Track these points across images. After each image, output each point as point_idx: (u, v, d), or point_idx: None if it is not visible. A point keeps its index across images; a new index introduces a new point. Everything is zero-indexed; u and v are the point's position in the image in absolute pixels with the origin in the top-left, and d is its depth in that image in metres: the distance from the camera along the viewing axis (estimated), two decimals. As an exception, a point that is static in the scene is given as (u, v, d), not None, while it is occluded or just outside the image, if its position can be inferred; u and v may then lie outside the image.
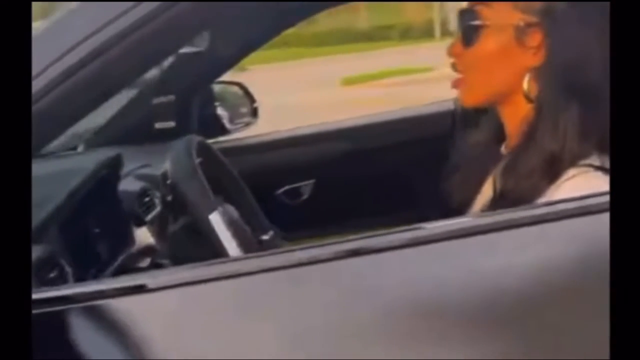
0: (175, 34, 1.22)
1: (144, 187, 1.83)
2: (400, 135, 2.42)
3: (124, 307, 1.08)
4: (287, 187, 2.44)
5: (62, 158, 2.07)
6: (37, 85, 1.09)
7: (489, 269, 1.04)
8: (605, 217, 0.99)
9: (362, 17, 19.81)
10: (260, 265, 1.09)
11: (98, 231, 1.66)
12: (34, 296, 1.07)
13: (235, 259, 1.28)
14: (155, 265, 1.70)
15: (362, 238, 1.07)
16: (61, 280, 1.32)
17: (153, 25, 1.13)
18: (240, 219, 1.62)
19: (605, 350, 0.95)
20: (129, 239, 1.75)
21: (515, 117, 1.30)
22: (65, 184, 1.54)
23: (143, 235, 1.80)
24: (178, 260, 1.55)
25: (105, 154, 1.77)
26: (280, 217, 2.07)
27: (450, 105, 2.31)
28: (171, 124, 2.26)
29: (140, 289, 1.09)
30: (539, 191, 1.22)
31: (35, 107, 1.09)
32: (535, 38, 1.26)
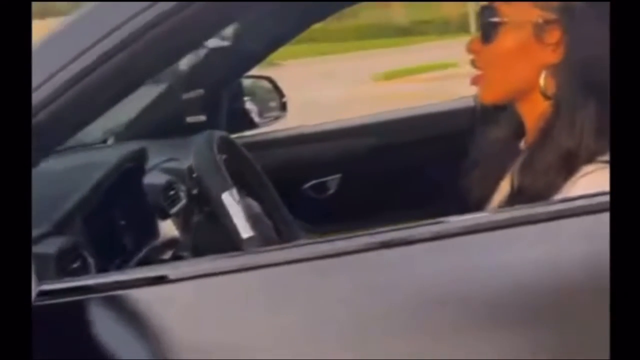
0: (197, 29, 1.24)
1: (170, 180, 1.85)
2: (426, 131, 2.43)
3: (145, 298, 1.10)
4: (313, 182, 2.45)
5: (91, 151, 2.10)
6: (57, 82, 1.12)
7: (507, 263, 1.06)
8: None
9: (399, 12, 19.74)
10: (282, 257, 1.11)
11: (122, 223, 1.68)
12: (55, 286, 1.10)
13: (257, 252, 1.30)
14: (177, 258, 1.72)
15: (384, 232, 1.08)
16: (83, 271, 1.35)
17: (175, 20, 1.14)
18: (262, 212, 1.64)
19: None
20: (153, 231, 1.77)
21: (534, 113, 1.30)
22: (90, 177, 1.57)
23: (167, 228, 1.82)
24: (201, 252, 1.57)
25: (130, 147, 1.80)
26: (306, 211, 2.09)
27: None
28: (202, 118, 2.28)
29: (161, 280, 1.11)
30: (555, 187, 1.22)
31: (55, 104, 1.11)
32: (554, 35, 1.27)
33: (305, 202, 2.39)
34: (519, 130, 1.37)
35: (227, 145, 1.66)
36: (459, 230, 1.07)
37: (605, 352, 0.96)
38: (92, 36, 1.13)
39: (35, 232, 1.31)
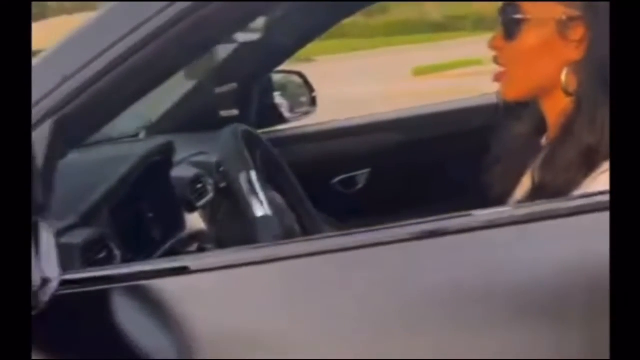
0: (223, 24, 1.26)
1: (198, 173, 1.87)
2: (453, 126, 2.43)
3: (166, 288, 1.12)
4: (342, 176, 2.46)
5: (120, 144, 2.13)
6: (84, 76, 1.14)
7: (528, 257, 1.06)
8: None
9: (432, 7, 19.62)
10: (303, 249, 1.13)
11: (149, 215, 1.70)
12: (78, 275, 1.12)
13: (278, 244, 1.31)
14: (201, 250, 1.74)
15: (407, 225, 1.09)
16: (109, 262, 1.37)
17: (201, 15, 1.16)
18: (286, 205, 1.65)
19: None
20: (180, 224, 1.79)
21: (555, 110, 1.30)
22: (118, 169, 1.60)
23: (194, 221, 1.84)
24: (224, 244, 1.59)
25: (158, 141, 1.82)
26: (334, 206, 2.10)
27: None
28: (235, 112, 2.30)
29: (182, 271, 1.13)
30: (575, 183, 1.22)
31: (81, 98, 1.13)
32: (578, 32, 1.27)
33: (334, 196, 2.40)
34: (541, 127, 1.37)
35: (251, 139, 1.68)
36: (485, 224, 1.08)
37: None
38: (118, 31, 1.15)
39: (61, 224, 1.34)
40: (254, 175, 1.49)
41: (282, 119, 2.59)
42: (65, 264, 1.12)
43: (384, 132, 2.50)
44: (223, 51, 2.49)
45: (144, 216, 1.70)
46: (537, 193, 1.26)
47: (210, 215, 1.83)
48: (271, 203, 1.51)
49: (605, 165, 1.21)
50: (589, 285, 1.04)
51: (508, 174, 1.40)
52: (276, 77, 2.63)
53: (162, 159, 1.77)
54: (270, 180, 1.73)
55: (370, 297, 1.07)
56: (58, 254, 1.07)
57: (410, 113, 2.57)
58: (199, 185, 1.86)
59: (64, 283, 1.07)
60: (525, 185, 1.34)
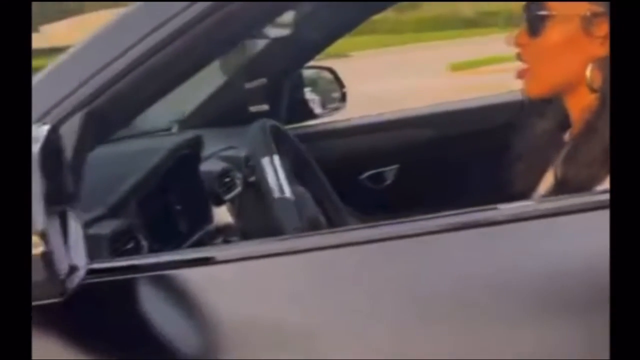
0: (250, 19, 1.27)
1: (226, 167, 1.90)
2: (482, 122, 2.42)
3: (191, 278, 1.13)
4: (371, 172, 2.47)
5: (151, 138, 2.16)
6: (114, 69, 1.16)
7: (552, 251, 1.07)
8: None
9: (464, 4, 19.51)
10: (325, 242, 1.14)
11: (176, 208, 1.73)
12: (104, 265, 1.15)
13: (300, 236, 1.33)
14: (226, 242, 1.76)
15: (435, 217, 1.10)
16: (136, 252, 1.39)
17: (227, 11, 1.18)
18: (312, 199, 1.67)
19: None
20: (207, 216, 1.81)
21: (579, 106, 1.30)
22: (146, 162, 1.62)
23: (222, 214, 1.86)
24: (249, 237, 1.61)
25: (187, 135, 1.84)
26: (363, 201, 2.11)
27: None
28: (265, 107, 2.32)
29: (207, 261, 1.15)
30: (598, 179, 1.22)
31: (110, 91, 1.16)
32: (602, 28, 1.27)
33: (362, 192, 2.41)
34: (564, 123, 1.37)
35: (279, 134, 1.70)
36: (510, 217, 1.08)
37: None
38: (146, 27, 1.17)
39: (90, 215, 1.37)
40: (277, 160, 1.51)
41: (312, 115, 2.60)
42: (94, 254, 1.15)
43: (413, 128, 2.50)
44: (254, 47, 2.51)
45: (172, 208, 1.73)
46: (560, 188, 1.27)
47: (238, 208, 1.85)
48: (295, 194, 1.53)
49: None
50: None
51: (532, 170, 1.40)
52: (306, 73, 2.64)
53: (190, 153, 1.79)
54: (297, 174, 1.74)
55: (393, 290, 1.08)
56: (86, 243, 1.09)
57: (439, 109, 2.57)
58: (227, 179, 1.88)
59: (91, 272, 1.09)
60: (548, 180, 1.34)
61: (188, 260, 1.17)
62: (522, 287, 1.05)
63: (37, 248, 0.98)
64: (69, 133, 1.14)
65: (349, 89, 2.68)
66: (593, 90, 1.28)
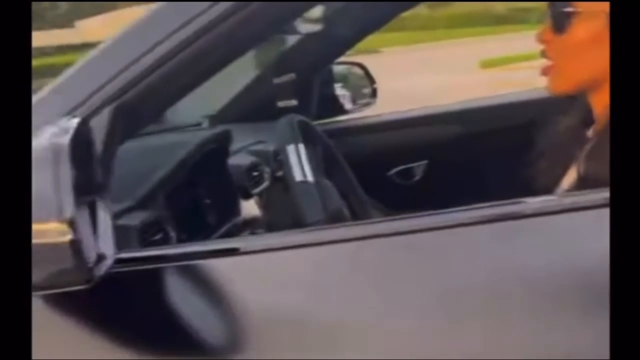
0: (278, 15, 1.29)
1: (255, 161, 1.92)
2: (509, 119, 2.42)
3: (217, 268, 1.15)
4: (400, 168, 2.47)
5: (181, 133, 2.19)
6: (142, 65, 1.19)
7: (578, 245, 1.07)
8: None
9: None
10: (348, 234, 1.16)
11: (205, 201, 1.75)
12: (132, 254, 1.17)
13: (324, 228, 1.34)
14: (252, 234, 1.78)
15: (462, 210, 1.10)
16: (164, 243, 1.42)
17: (253, 8, 1.20)
18: (337, 193, 1.68)
19: None
20: (235, 210, 1.83)
21: (604, 102, 1.30)
22: (175, 156, 1.65)
23: (250, 208, 1.88)
24: (275, 229, 1.63)
25: (216, 129, 1.86)
26: (391, 196, 2.12)
27: None
28: (293, 102, 2.33)
29: (233, 252, 1.17)
30: None
31: (139, 86, 1.19)
32: None
33: (391, 187, 2.42)
34: (587, 119, 1.37)
35: (307, 129, 1.72)
36: (536, 211, 1.08)
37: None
38: (174, 23, 1.19)
39: (119, 206, 1.40)
40: (302, 148, 1.53)
41: (342, 110, 2.61)
42: (123, 244, 1.17)
43: (442, 125, 2.51)
44: (285, 42, 2.53)
45: (200, 201, 1.75)
46: (583, 184, 1.27)
47: (265, 202, 1.87)
48: (320, 184, 1.54)
49: None
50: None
51: (555, 166, 1.40)
52: (337, 69, 2.65)
53: (219, 147, 1.82)
54: (325, 169, 1.76)
55: (418, 283, 1.09)
56: (114, 232, 1.11)
57: (468, 105, 2.57)
58: (256, 173, 1.90)
59: (119, 261, 1.11)
60: (571, 176, 1.35)
61: (213, 250, 1.19)
62: (548, 281, 1.05)
63: (66, 236, 1.01)
64: (99, 126, 1.16)
65: (379, 85, 2.69)
66: None
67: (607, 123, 1.28)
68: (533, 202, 1.10)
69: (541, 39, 1.36)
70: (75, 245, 1.02)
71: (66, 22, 20.76)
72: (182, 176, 1.64)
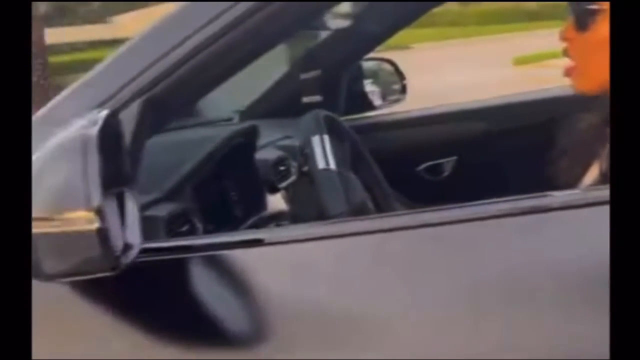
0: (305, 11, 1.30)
1: (282, 156, 1.93)
2: (537, 115, 2.42)
3: (241, 259, 1.17)
4: (428, 164, 2.47)
5: (212, 127, 2.21)
6: (170, 60, 1.21)
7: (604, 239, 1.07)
8: None
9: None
10: (370, 226, 1.17)
11: (232, 194, 1.77)
12: (157, 244, 1.19)
13: (347, 220, 1.35)
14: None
15: (488, 203, 1.11)
16: (190, 235, 1.44)
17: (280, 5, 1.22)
18: (362, 186, 1.69)
19: None
20: (261, 203, 1.85)
21: None
22: (203, 149, 1.67)
23: (276, 202, 1.90)
24: (300, 222, 1.64)
25: (243, 124, 1.88)
26: (420, 192, 2.12)
27: None
28: (317, 98, 2.34)
29: (257, 243, 1.18)
30: None
31: (166, 81, 1.21)
32: None
33: (420, 183, 2.42)
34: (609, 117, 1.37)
35: (333, 124, 1.73)
36: (562, 205, 1.09)
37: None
38: (202, 18, 1.21)
39: (147, 198, 1.42)
40: (326, 139, 1.54)
41: (371, 106, 2.62)
42: (150, 235, 1.19)
43: (471, 121, 2.51)
44: (315, 38, 2.55)
45: (227, 194, 1.77)
46: (605, 181, 1.27)
47: (292, 196, 1.89)
48: (344, 176, 1.56)
49: None
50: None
51: (578, 163, 1.40)
52: (366, 65, 2.66)
53: (246, 141, 1.83)
54: (351, 164, 1.77)
55: (443, 276, 1.09)
56: (141, 222, 1.13)
57: (497, 102, 2.57)
58: (282, 168, 1.92)
59: (145, 251, 1.13)
60: (593, 173, 1.34)
61: (237, 241, 1.20)
62: (576, 274, 1.05)
63: (93, 224, 1.03)
64: (128, 119, 1.19)
65: (410, 82, 2.69)
66: None
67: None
68: (560, 196, 1.10)
69: (564, 37, 1.34)
70: (102, 233, 1.04)
71: (98, 18, 20.94)
72: (209, 169, 1.66)
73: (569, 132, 1.47)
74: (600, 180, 1.29)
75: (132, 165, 1.17)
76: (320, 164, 1.53)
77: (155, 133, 1.31)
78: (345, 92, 2.55)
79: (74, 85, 1.26)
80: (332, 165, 1.54)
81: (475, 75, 10.99)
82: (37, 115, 1.28)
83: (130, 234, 1.10)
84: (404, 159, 2.40)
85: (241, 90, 2.43)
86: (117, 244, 1.06)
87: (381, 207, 1.81)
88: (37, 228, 1.06)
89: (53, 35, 14.62)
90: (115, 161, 1.10)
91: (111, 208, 1.06)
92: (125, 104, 1.20)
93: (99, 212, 1.03)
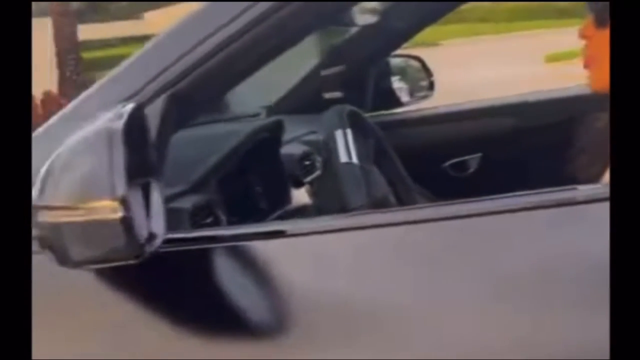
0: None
1: (306, 151, 1.95)
2: (567, 113, 2.40)
3: (263, 250, 1.19)
4: (454, 160, 2.48)
5: (238, 122, 2.24)
6: (193, 56, 1.23)
7: None
8: None
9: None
10: (391, 219, 1.18)
11: (256, 188, 1.79)
12: (181, 235, 1.21)
13: (368, 213, 1.36)
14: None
15: (514, 196, 1.11)
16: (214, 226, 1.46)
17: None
18: (384, 181, 1.70)
19: None
20: (286, 197, 1.87)
21: None
22: (228, 144, 1.69)
23: (300, 196, 1.92)
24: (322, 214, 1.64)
25: (269, 119, 1.90)
26: (445, 188, 2.13)
27: None
28: (338, 94, 2.35)
29: (279, 234, 1.20)
30: None
31: (190, 77, 1.23)
32: None
33: (445, 179, 2.42)
34: None
35: (356, 119, 1.74)
36: (588, 198, 1.09)
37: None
38: (226, 16, 1.24)
39: (173, 190, 1.44)
40: (349, 133, 1.56)
41: (398, 103, 2.63)
42: (174, 226, 1.21)
43: (498, 117, 2.50)
44: (342, 34, 2.56)
45: (252, 188, 1.79)
46: None
47: (316, 190, 1.90)
48: (366, 169, 1.57)
49: None
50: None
51: (598, 161, 1.40)
52: (394, 61, 2.66)
53: (271, 136, 1.85)
54: (374, 159, 1.78)
55: (468, 269, 1.09)
56: (165, 213, 1.16)
57: (524, 98, 2.56)
58: (307, 162, 1.94)
59: (169, 241, 1.16)
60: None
61: (260, 232, 1.22)
62: (602, 267, 1.03)
63: (117, 213, 1.06)
64: (154, 113, 1.21)
65: (439, 78, 2.69)
66: None
67: None
68: (585, 189, 1.10)
69: (583, 35, 1.33)
70: (126, 222, 1.06)
71: (129, 15, 21.10)
72: (234, 163, 1.68)
73: (583, 130, 1.47)
74: None
75: (158, 158, 1.19)
76: (343, 158, 1.55)
77: (180, 127, 1.33)
78: (373, 89, 2.56)
79: (101, 81, 1.30)
80: (355, 159, 1.56)
81: (507, 72, 10.93)
82: (66, 110, 1.31)
83: (155, 224, 1.12)
84: (429, 155, 2.40)
85: (270, 86, 2.45)
86: (142, 233, 1.09)
87: (404, 202, 1.82)
88: (63, 217, 1.09)
89: (85, 32, 14.75)
90: (140, 153, 1.12)
91: (136, 198, 1.09)
92: (150, 99, 1.23)
93: (123, 202, 1.06)
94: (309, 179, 1.92)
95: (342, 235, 1.17)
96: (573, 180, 1.48)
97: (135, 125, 1.11)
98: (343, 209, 1.54)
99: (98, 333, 1.20)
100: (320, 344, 1.12)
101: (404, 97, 2.64)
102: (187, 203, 1.45)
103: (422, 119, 2.58)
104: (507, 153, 2.45)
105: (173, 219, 1.20)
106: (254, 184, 1.80)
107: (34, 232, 1.12)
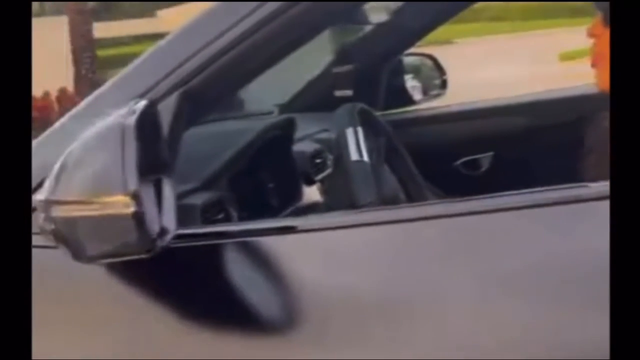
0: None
1: (318, 149, 1.96)
2: (580, 112, 2.40)
3: (274, 245, 1.20)
4: (466, 159, 2.48)
5: (251, 120, 2.25)
6: (205, 54, 1.24)
7: None
8: None
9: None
10: (401, 215, 1.19)
11: (268, 185, 1.81)
12: (191, 230, 1.22)
13: (378, 209, 1.37)
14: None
15: (525, 193, 1.11)
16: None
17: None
18: (395, 179, 1.71)
19: None
20: (297, 195, 1.88)
21: None
22: (240, 141, 1.70)
23: (312, 194, 1.92)
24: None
25: (280, 117, 1.90)
26: (457, 187, 2.13)
27: None
28: (349, 92, 2.35)
29: (290, 230, 1.21)
30: None
31: (203, 74, 1.24)
32: None
33: (457, 178, 2.42)
34: None
35: (367, 117, 1.75)
36: (600, 195, 1.08)
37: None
38: (238, 13, 1.25)
39: (185, 187, 1.45)
40: (360, 131, 1.56)
41: (411, 101, 2.63)
42: (185, 222, 1.22)
43: (510, 116, 2.50)
44: (355, 32, 2.56)
45: (263, 185, 1.80)
46: None
47: (327, 188, 1.91)
48: (377, 167, 1.57)
49: None
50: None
51: (602, 162, 1.39)
52: (407, 60, 2.67)
53: (283, 134, 1.86)
54: (385, 157, 1.79)
55: (477, 265, 1.09)
56: (177, 209, 1.17)
57: (537, 97, 2.56)
58: (319, 160, 1.95)
59: (180, 237, 1.17)
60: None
61: (270, 228, 1.23)
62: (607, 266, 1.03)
63: (129, 208, 1.07)
64: (167, 110, 1.22)
65: (452, 77, 2.69)
66: None
67: None
68: (595, 186, 1.10)
69: (591, 33, 1.33)
70: (138, 217, 1.08)
71: (143, 13, 21.16)
72: (246, 160, 1.69)
73: (605, 128, 1.46)
74: None
75: (170, 154, 1.20)
76: (353, 156, 1.55)
77: (193, 124, 1.34)
78: (386, 87, 2.56)
79: (115, 78, 1.31)
80: (365, 157, 1.56)
81: (521, 71, 10.90)
82: (80, 107, 1.32)
83: (166, 219, 1.13)
84: (441, 154, 2.40)
85: (284, 84, 2.46)
86: (153, 227, 1.10)
87: (414, 201, 1.82)
88: (77, 211, 1.10)
89: (100, 30, 14.80)
90: (153, 149, 1.13)
91: (148, 193, 1.10)
92: (163, 96, 1.24)
93: (135, 197, 1.07)
94: (320, 176, 1.92)
95: (353, 231, 1.17)
96: (584, 178, 1.48)
97: (147, 122, 1.12)
98: (353, 207, 1.54)
99: (109, 327, 1.21)
100: (330, 340, 1.12)
101: (417, 96, 2.65)
102: (198, 199, 1.47)
103: (434, 118, 2.58)
104: (519, 152, 2.45)
105: (184, 215, 1.21)
106: (265, 181, 1.81)
107: (48, 226, 1.14)
